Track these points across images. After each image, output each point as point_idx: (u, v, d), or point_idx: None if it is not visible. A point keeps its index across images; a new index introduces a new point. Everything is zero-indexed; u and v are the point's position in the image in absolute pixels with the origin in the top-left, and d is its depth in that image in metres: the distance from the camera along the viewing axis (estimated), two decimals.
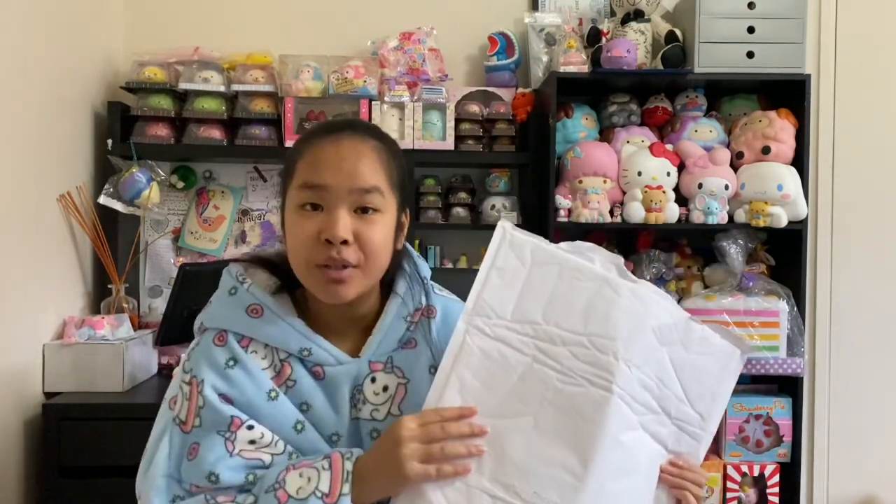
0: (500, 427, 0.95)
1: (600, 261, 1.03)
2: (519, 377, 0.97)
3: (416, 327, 1.11)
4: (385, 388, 1.07)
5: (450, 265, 2.62)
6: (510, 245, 1.03)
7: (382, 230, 1.04)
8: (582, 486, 0.93)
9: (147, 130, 2.45)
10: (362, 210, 1.03)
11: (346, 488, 0.94)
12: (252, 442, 0.99)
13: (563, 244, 1.04)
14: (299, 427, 1.02)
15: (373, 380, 1.07)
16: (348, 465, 0.96)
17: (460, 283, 1.42)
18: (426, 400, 0.98)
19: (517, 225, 2.59)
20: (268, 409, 1.01)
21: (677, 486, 1.03)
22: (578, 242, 1.05)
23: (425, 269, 1.16)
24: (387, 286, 1.14)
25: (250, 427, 1.00)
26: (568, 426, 0.94)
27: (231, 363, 1.03)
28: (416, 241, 2.52)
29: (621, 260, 1.05)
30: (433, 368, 1.06)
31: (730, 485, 2.34)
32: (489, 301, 1.00)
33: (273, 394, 1.02)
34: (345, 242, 1.00)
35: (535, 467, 0.94)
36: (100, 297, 2.46)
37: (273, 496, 0.94)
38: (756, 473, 2.36)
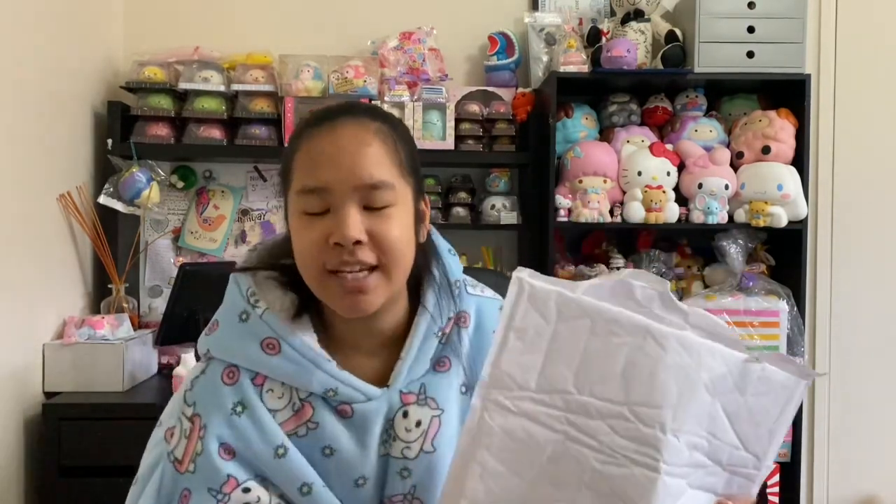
0: None
1: (640, 289, 0.88)
2: (549, 458, 0.83)
3: (448, 340, 0.98)
4: (418, 424, 0.93)
5: None
6: (530, 299, 0.85)
7: (400, 225, 0.90)
8: None
9: (147, 130, 2.45)
10: (373, 206, 0.89)
11: None
12: None
13: (596, 280, 0.88)
14: (305, 490, 0.90)
15: (405, 414, 0.93)
16: None
17: None
18: (442, 492, 0.85)
19: (518, 224, 2.59)
20: (274, 466, 0.90)
21: None
22: (619, 271, 0.90)
23: (456, 269, 1.02)
24: (414, 292, 1.00)
25: (246, 490, 0.89)
26: None
27: (239, 409, 0.91)
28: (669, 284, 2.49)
29: (667, 285, 0.90)
30: (464, 388, 0.96)
31: None
32: (509, 370, 0.84)
33: (281, 451, 0.90)
34: (357, 243, 0.87)
35: None
36: (100, 296, 2.46)
37: None
38: None
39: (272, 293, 0.95)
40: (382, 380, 0.95)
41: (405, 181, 0.93)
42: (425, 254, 0.99)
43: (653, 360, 0.83)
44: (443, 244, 1.03)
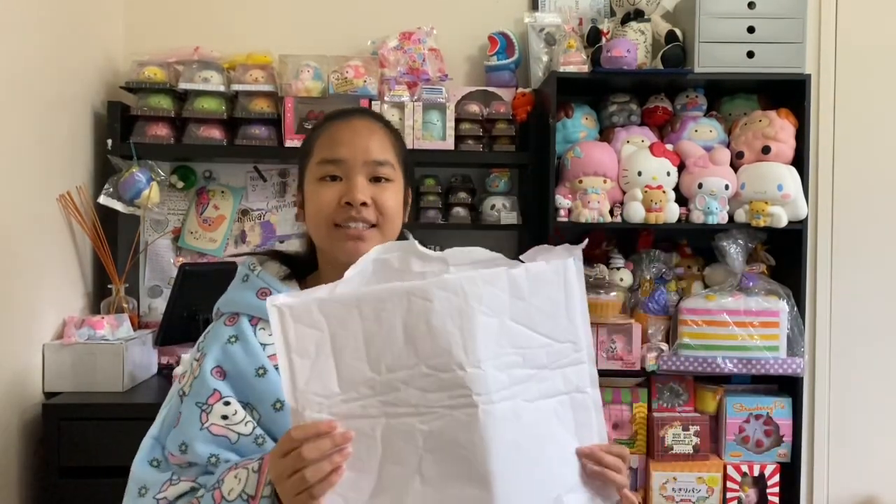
0: (393, 501, 0.88)
1: (395, 257, 0.94)
2: (383, 443, 0.88)
3: None
4: None
5: None
6: (294, 318, 0.88)
7: (395, 196, 1.14)
8: None
9: (147, 130, 2.45)
10: (376, 179, 1.13)
11: (268, 490, 0.94)
12: (224, 417, 1.06)
13: (351, 272, 0.92)
14: (278, 406, 1.07)
15: None
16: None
17: None
18: None
19: (518, 224, 2.59)
20: (253, 384, 1.08)
21: (595, 475, 1.00)
22: (367, 256, 0.93)
23: None
24: None
25: (226, 403, 1.06)
26: (454, 464, 0.87)
27: (233, 340, 1.10)
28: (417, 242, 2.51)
29: (415, 244, 0.95)
30: None
31: (730, 485, 2.34)
32: (309, 388, 0.87)
33: (261, 371, 1.08)
34: (364, 205, 1.10)
35: None
36: (100, 297, 2.46)
37: (211, 496, 1.00)
38: (756, 473, 2.36)
39: (270, 265, 1.19)
40: None
41: (400, 168, 1.17)
42: (403, 238, 1.20)
43: (423, 314, 0.88)
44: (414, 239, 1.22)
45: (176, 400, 1.11)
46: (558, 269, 0.98)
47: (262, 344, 1.11)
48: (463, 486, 0.88)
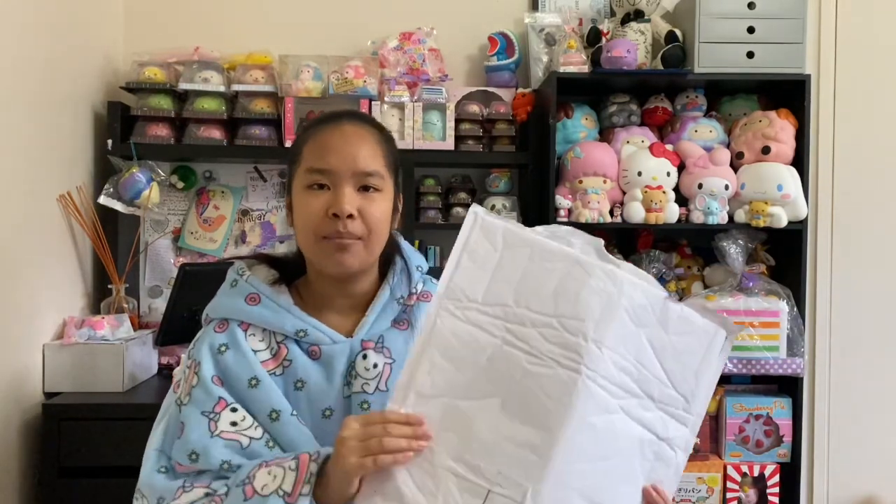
0: (468, 408, 0.95)
1: (580, 245, 1.02)
2: (488, 359, 0.96)
3: (412, 310, 1.19)
4: (375, 366, 1.12)
5: None
6: (482, 229, 1.02)
7: (382, 207, 1.12)
8: (547, 466, 0.92)
9: (147, 130, 2.45)
10: (364, 189, 1.10)
11: (307, 489, 0.96)
12: (233, 424, 1.05)
13: (539, 228, 1.03)
14: (274, 416, 1.07)
15: (364, 357, 1.12)
16: (313, 467, 0.98)
17: None
18: (396, 385, 0.99)
19: (518, 221, 2.61)
20: (247, 395, 1.08)
21: None
22: (556, 226, 1.04)
23: (416, 258, 1.23)
24: (384, 269, 1.21)
25: (234, 409, 1.06)
26: (535, 407, 0.94)
27: (223, 349, 1.10)
28: (416, 242, 2.52)
29: (601, 242, 1.03)
30: None
31: (730, 485, 2.34)
32: (461, 285, 1.00)
33: (253, 381, 1.08)
34: (350, 217, 1.08)
35: (501, 447, 0.93)
36: (100, 297, 2.46)
37: (241, 490, 0.99)
38: (756, 473, 2.36)
39: (260, 270, 1.18)
40: (348, 334, 1.15)
41: (389, 177, 1.14)
42: (394, 245, 1.21)
43: (579, 282, 0.98)
44: (407, 244, 1.25)
45: (174, 409, 1.09)
46: (709, 330, 1.03)
47: (253, 351, 1.11)
48: (531, 430, 0.93)
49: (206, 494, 1.02)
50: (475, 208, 1.04)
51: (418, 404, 0.96)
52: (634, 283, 1.00)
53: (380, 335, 1.15)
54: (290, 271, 1.19)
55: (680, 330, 1.01)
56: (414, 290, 1.19)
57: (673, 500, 1.02)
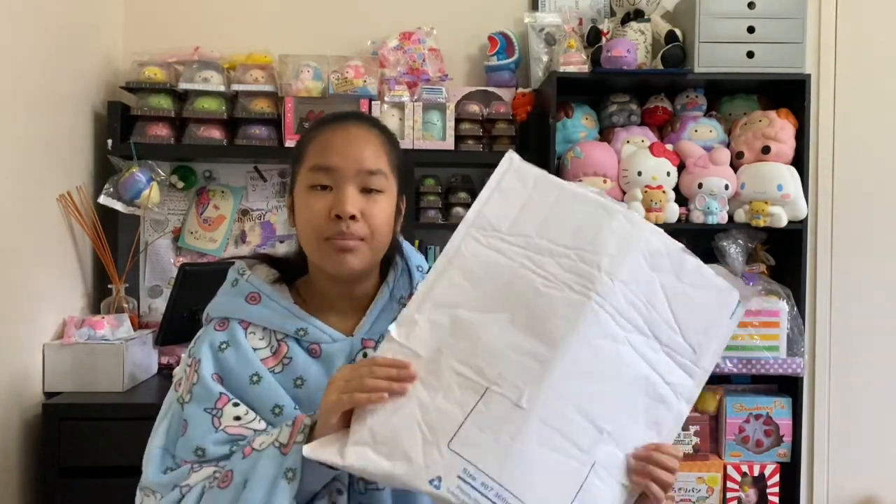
0: (479, 319, 0.99)
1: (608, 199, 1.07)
2: (505, 281, 1.01)
3: None
4: None
5: None
6: (515, 172, 1.07)
7: (385, 208, 1.12)
8: (546, 374, 0.95)
9: (147, 130, 2.45)
10: (367, 190, 1.10)
11: (300, 437, 0.98)
12: (237, 418, 1.06)
13: (578, 187, 1.08)
14: (277, 411, 1.08)
15: (364, 355, 1.13)
16: (307, 420, 1.00)
17: None
18: (413, 297, 1.03)
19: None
20: (249, 392, 1.08)
21: (640, 472, 0.99)
22: (590, 185, 1.10)
23: (417, 258, 1.24)
24: (385, 270, 1.22)
25: (236, 404, 1.07)
26: (543, 323, 0.97)
27: (224, 346, 1.11)
28: (416, 242, 2.52)
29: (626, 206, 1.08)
30: None
31: (730, 485, 2.34)
32: (488, 216, 1.05)
33: (255, 378, 1.09)
34: (353, 218, 1.07)
35: (505, 354, 0.96)
36: (100, 297, 2.46)
37: (241, 451, 1.01)
38: (756, 473, 2.36)
39: (260, 269, 1.19)
40: (349, 334, 1.16)
41: (393, 177, 1.14)
42: (395, 246, 1.21)
43: (600, 222, 1.03)
44: (408, 244, 1.26)
45: (176, 407, 1.10)
46: (723, 289, 1.06)
47: (253, 349, 1.11)
48: (536, 341, 0.97)
49: (215, 470, 1.04)
50: (511, 154, 1.08)
51: (432, 311, 1.00)
52: (654, 230, 1.05)
53: (380, 335, 1.15)
54: (290, 271, 1.19)
55: (694, 282, 1.04)
56: (414, 291, 1.18)
57: (671, 497, 1.02)
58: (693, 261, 1.05)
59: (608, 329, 0.98)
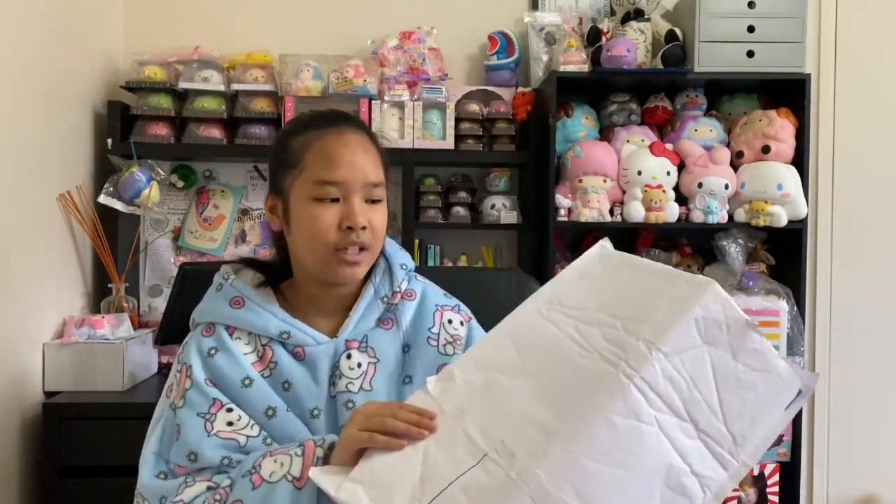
0: (509, 384, 0.96)
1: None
2: (545, 348, 0.98)
3: (396, 308, 1.21)
4: (359, 365, 1.15)
5: (450, 264, 2.62)
6: (601, 259, 1.07)
7: (385, 216, 1.16)
8: (548, 448, 0.86)
9: (147, 130, 2.45)
10: (370, 201, 1.14)
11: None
12: (230, 423, 1.08)
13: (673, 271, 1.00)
14: (270, 413, 1.10)
15: (348, 356, 1.15)
16: (319, 452, 1.01)
17: (460, 281, 1.42)
18: (466, 352, 1.05)
19: (518, 223, 2.58)
20: (241, 395, 1.10)
21: None
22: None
23: (400, 255, 1.26)
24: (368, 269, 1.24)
25: (229, 409, 1.09)
26: (563, 394, 0.91)
27: (213, 352, 1.12)
28: (416, 241, 2.52)
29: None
30: (406, 348, 1.19)
31: None
32: (560, 295, 1.04)
33: (247, 381, 1.11)
34: (363, 228, 1.11)
35: (515, 421, 0.91)
36: (100, 296, 2.46)
37: (248, 479, 1.00)
38: (756, 473, 2.36)
39: (245, 273, 1.21)
40: (333, 335, 1.17)
41: (386, 182, 1.18)
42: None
43: (658, 290, 0.95)
44: (391, 242, 1.28)
45: (169, 413, 1.12)
46: (784, 376, 0.91)
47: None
48: (549, 413, 0.89)
49: (209, 488, 1.04)
50: (604, 241, 1.09)
51: (471, 371, 0.99)
52: (719, 296, 0.90)
53: (364, 335, 1.17)
54: (275, 275, 1.21)
55: (751, 363, 0.90)
56: (398, 289, 1.21)
57: None
58: (757, 338, 0.90)
59: (632, 405, 0.86)
